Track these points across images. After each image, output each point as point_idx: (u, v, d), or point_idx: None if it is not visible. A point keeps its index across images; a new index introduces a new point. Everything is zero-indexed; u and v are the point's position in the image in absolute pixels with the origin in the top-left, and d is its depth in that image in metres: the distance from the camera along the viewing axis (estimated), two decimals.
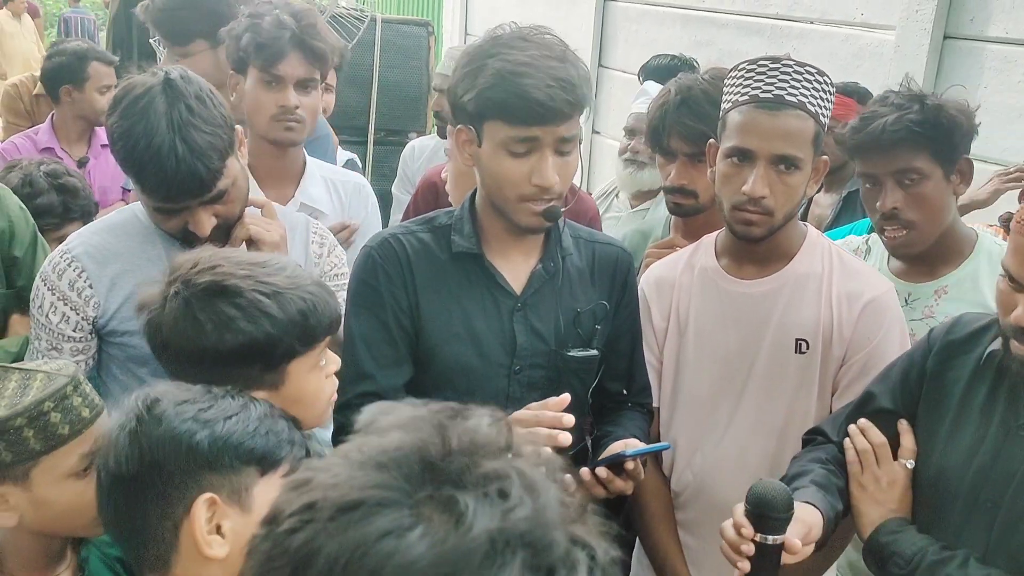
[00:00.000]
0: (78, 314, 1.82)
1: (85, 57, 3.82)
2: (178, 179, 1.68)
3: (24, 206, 2.24)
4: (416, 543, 0.62)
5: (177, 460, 1.18)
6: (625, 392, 1.97)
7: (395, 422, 0.71)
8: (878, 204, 2.04)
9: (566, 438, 1.53)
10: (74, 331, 1.82)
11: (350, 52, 3.70)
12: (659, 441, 2.04)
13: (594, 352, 1.85)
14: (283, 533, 0.66)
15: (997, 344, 1.63)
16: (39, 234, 2.24)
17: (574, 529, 0.67)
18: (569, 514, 0.67)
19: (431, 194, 2.79)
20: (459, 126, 1.76)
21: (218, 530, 1.19)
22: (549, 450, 0.74)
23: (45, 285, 1.83)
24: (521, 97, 1.61)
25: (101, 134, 3.84)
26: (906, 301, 2.12)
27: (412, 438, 0.68)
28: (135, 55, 4.05)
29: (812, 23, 4.06)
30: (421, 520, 0.63)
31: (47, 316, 1.83)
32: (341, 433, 1.78)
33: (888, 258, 2.21)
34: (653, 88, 3.55)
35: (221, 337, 1.41)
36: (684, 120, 2.17)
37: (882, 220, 2.06)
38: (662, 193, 2.84)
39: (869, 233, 2.66)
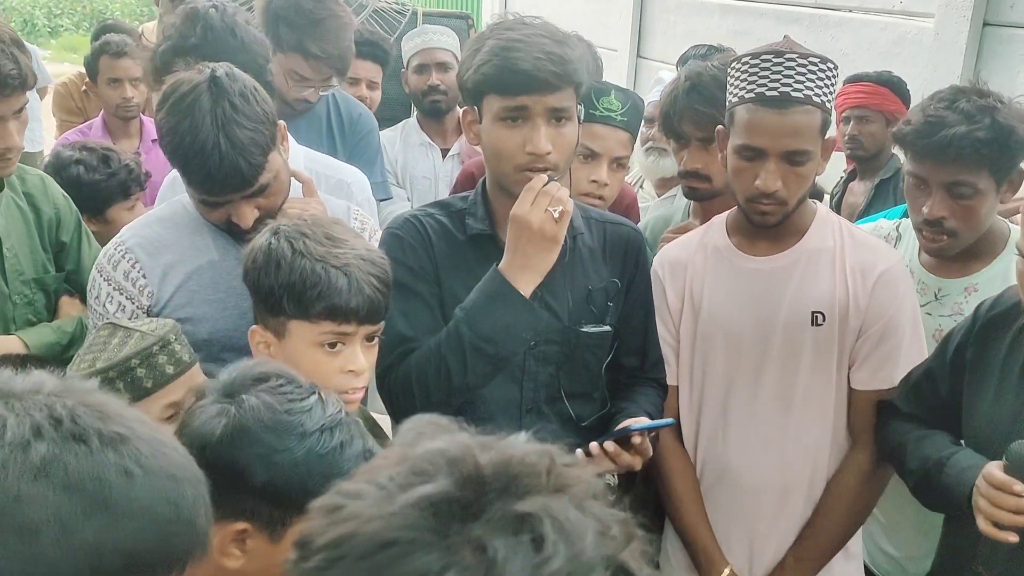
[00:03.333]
0: (133, 303, 1.89)
1: (98, 52, 3.91)
2: (221, 174, 1.74)
3: (67, 194, 2.33)
4: None
5: (227, 481, 1.18)
6: (640, 367, 2.02)
7: (433, 451, 0.69)
8: (924, 209, 2.02)
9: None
10: (129, 319, 1.90)
11: (393, 46, 3.73)
12: (669, 417, 2.07)
13: (607, 328, 1.91)
14: (313, 570, 0.66)
15: None
16: (82, 220, 2.34)
17: (618, 557, 0.66)
18: (611, 545, 0.66)
19: (470, 184, 2.84)
20: (464, 107, 1.86)
21: (244, 542, 1.21)
22: (595, 477, 0.71)
23: (101, 276, 1.91)
24: (510, 69, 1.71)
25: (151, 129, 3.93)
26: (935, 296, 2.12)
27: (448, 471, 0.67)
28: None
29: (851, 11, 4.05)
30: (452, 565, 0.62)
31: (104, 306, 1.90)
32: (385, 399, 1.84)
33: (919, 250, 2.21)
34: (669, 77, 3.58)
35: (248, 267, 1.61)
36: (694, 105, 2.21)
37: (924, 224, 2.05)
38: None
39: (901, 218, 2.67)
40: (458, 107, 3.59)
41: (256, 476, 1.19)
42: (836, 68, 1.89)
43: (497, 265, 1.78)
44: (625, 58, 5.62)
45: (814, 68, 1.83)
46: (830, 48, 4.06)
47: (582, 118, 1.86)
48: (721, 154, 1.99)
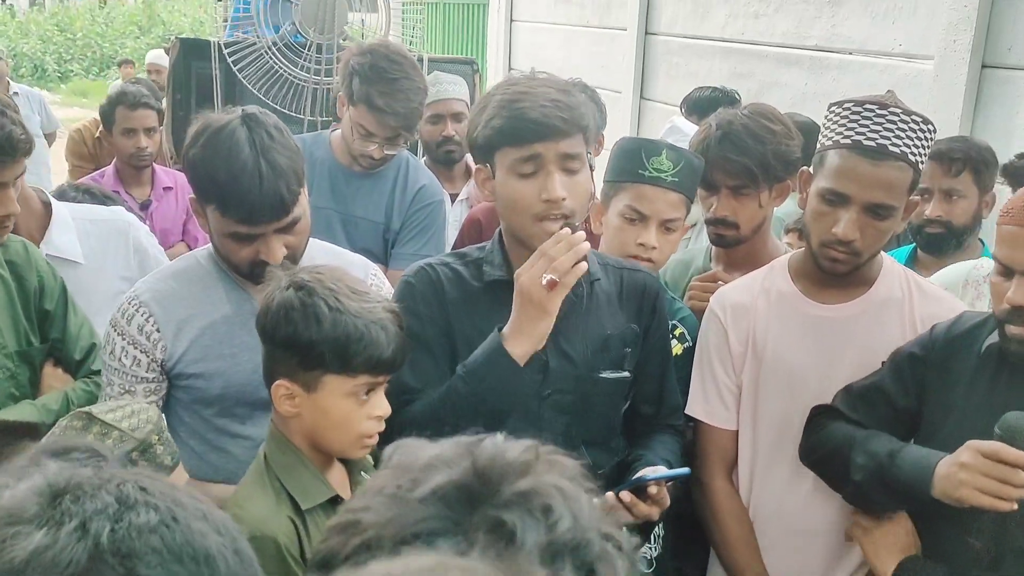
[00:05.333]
0: (148, 356, 1.89)
1: (114, 102, 3.98)
2: (262, 198, 1.74)
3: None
4: (477, 565, 0.65)
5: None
6: (656, 414, 2.02)
7: (428, 459, 0.75)
8: None
9: (580, 237, 1.69)
10: (147, 372, 1.90)
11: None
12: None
13: (625, 374, 1.91)
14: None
15: (994, 338, 1.72)
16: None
17: (603, 527, 0.73)
18: (599, 515, 0.73)
19: (475, 230, 2.88)
20: (477, 166, 1.88)
21: None
22: (570, 459, 0.79)
23: (115, 331, 1.91)
24: (519, 119, 1.73)
25: (163, 177, 3.98)
26: None
27: (447, 472, 0.72)
28: (193, 100, 4.20)
29: (851, 54, 4.11)
30: (476, 543, 0.67)
31: (119, 360, 1.90)
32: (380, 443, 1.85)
33: None
34: (681, 123, 3.61)
35: (278, 321, 1.59)
36: (726, 154, 2.22)
37: None
38: (701, 224, 2.89)
39: (909, 263, 2.70)
40: (468, 156, 3.66)
41: None
42: (935, 131, 1.89)
43: (501, 327, 1.77)
44: (629, 100, 5.69)
45: (915, 127, 1.84)
46: (832, 90, 4.11)
47: (594, 166, 1.86)
48: (801, 195, 2.00)
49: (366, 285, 1.71)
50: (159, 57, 7.55)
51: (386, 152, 2.76)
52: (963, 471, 1.62)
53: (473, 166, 3.67)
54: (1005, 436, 1.59)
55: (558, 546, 0.68)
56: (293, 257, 1.86)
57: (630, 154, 2.18)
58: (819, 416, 1.95)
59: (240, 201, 1.75)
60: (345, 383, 1.59)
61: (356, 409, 1.61)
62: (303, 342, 1.57)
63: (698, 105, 4.30)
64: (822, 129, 1.95)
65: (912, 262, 2.71)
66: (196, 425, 1.89)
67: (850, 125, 1.85)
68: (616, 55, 5.89)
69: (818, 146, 1.95)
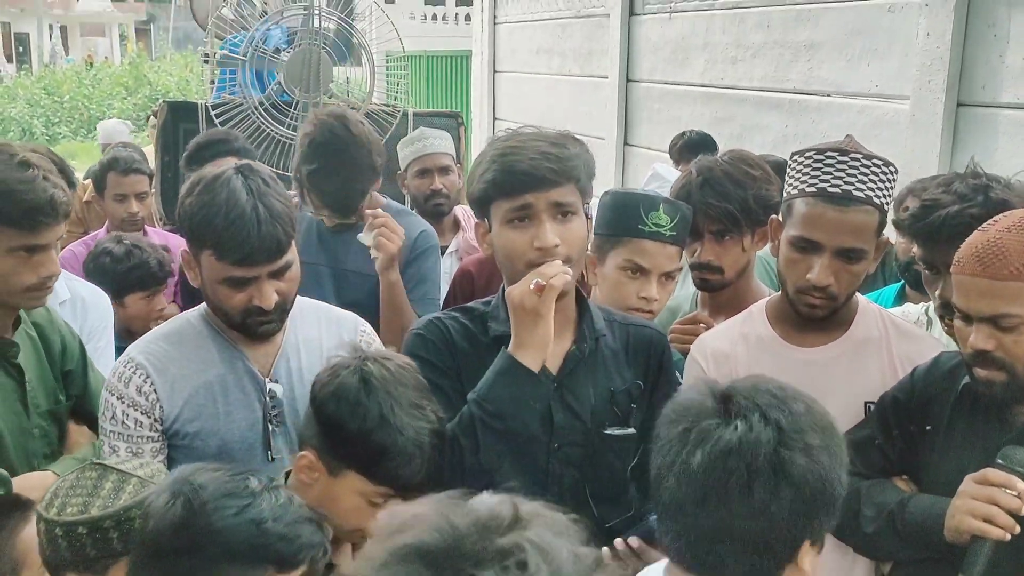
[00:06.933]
0: (149, 417, 1.90)
1: (106, 168, 4.01)
2: (259, 239, 1.78)
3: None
4: None
5: (209, 551, 1.31)
6: None
7: (406, 521, 0.77)
8: (938, 293, 2.07)
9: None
10: (150, 431, 1.91)
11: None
12: None
13: (631, 430, 1.90)
14: None
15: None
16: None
17: None
18: (585, 565, 0.74)
19: (467, 282, 2.90)
20: (476, 221, 1.91)
21: None
22: (558, 513, 0.79)
23: (113, 395, 1.92)
24: (509, 171, 1.76)
25: (155, 239, 3.99)
26: None
27: (425, 531, 0.74)
28: (181, 161, 4.23)
29: (829, 96, 4.18)
30: None
31: (122, 424, 1.90)
32: None
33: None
34: (664, 169, 3.67)
35: (328, 399, 1.62)
36: (708, 199, 2.25)
37: (941, 308, 2.08)
38: (686, 270, 2.92)
39: (897, 300, 2.73)
40: (457, 207, 3.70)
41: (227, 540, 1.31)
42: (896, 172, 1.93)
43: (505, 346, 1.80)
44: (612, 146, 5.76)
45: (876, 170, 1.87)
46: (810, 132, 4.18)
47: (591, 215, 1.88)
48: (772, 243, 2.04)
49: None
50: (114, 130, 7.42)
51: (338, 222, 2.80)
52: (958, 498, 1.65)
53: (461, 219, 3.75)
54: (1007, 467, 1.62)
55: None
56: (284, 305, 1.90)
57: (627, 209, 2.21)
58: None
59: (239, 243, 1.79)
60: (366, 486, 1.60)
61: (367, 510, 1.62)
62: (342, 433, 1.59)
63: (687, 148, 4.40)
64: (787, 178, 1.99)
65: (900, 300, 2.74)
66: None
67: (813, 173, 1.89)
68: (598, 102, 5.97)
69: (784, 195, 1.98)
